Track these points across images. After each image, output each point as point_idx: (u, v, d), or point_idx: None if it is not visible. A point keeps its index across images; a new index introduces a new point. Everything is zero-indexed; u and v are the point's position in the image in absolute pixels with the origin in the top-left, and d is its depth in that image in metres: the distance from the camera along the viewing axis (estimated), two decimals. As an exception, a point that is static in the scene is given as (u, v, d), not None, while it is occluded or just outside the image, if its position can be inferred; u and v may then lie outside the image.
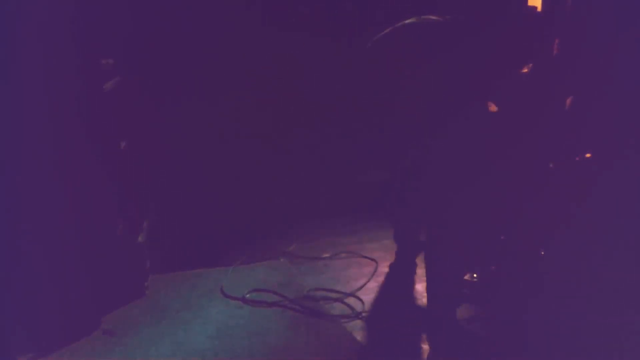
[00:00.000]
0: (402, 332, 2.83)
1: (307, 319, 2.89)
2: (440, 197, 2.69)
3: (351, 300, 3.05)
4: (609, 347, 2.54)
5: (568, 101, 2.77)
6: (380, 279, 3.29)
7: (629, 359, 2.54)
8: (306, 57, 3.96)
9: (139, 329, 2.80)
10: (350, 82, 3.65)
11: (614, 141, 2.71)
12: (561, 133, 2.77)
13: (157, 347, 2.66)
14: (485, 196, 2.67)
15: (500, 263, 2.95)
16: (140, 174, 3.06)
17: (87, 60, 2.70)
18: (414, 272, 3.26)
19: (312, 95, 4.06)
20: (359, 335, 2.79)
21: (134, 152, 2.96)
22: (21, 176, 2.54)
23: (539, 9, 2.88)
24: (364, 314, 2.94)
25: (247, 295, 3.07)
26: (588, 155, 2.76)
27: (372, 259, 3.49)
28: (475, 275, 3.02)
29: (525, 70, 2.84)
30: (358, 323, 2.89)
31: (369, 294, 3.12)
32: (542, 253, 2.85)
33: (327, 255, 3.58)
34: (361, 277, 3.29)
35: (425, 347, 2.73)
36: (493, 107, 2.77)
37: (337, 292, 3.13)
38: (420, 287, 3.15)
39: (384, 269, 3.37)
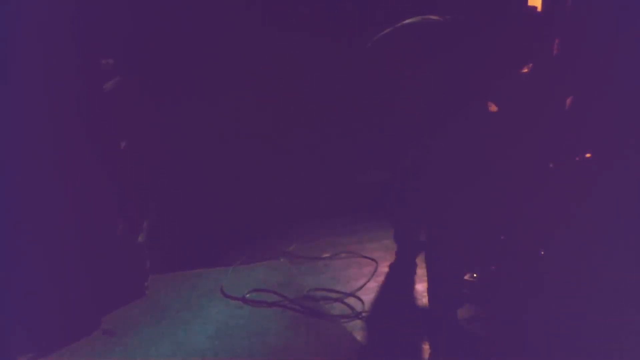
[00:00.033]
0: (402, 332, 2.83)
1: (307, 319, 2.89)
2: (440, 197, 2.69)
3: (351, 300, 3.05)
4: (609, 347, 2.54)
5: (568, 101, 2.77)
6: (380, 279, 3.29)
7: (629, 359, 2.54)
8: (306, 57, 3.96)
9: (139, 329, 2.80)
10: (350, 82, 3.65)
11: (614, 141, 2.71)
12: (561, 133, 2.77)
13: (157, 347, 2.66)
14: (485, 196, 2.67)
15: (500, 263, 2.95)
16: (140, 174, 3.06)
17: (87, 60, 2.70)
18: (414, 272, 3.26)
19: (312, 95, 4.06)
20: (359, 335, 2.79)
21: (134, 152, 2.96)
22: (21, 176, 2.54)
23: (539, 9, 2.88)
24: (364, 314, 2.94)
25: (247, 295, 3.07)
26: (588, 155, 2.76)
27: (372, 259, 3.49)
28: (475, 275, 3.02)
29: (525, 70, 2.84)
30: (358, 323, 2.89)
31: (369, 294, 3.12)
32: (542, 253, 2.85)
33: (327, 255, 3.58)
34: (361, 277, 3.29)
35: (425, 347, 2.73)
36: (493, 107, 2.77)
37: (337, 292, 3.13)
38: (420, 287, 3.16)
39: (384, 269, 3.37)
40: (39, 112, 2.53)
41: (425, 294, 2.94)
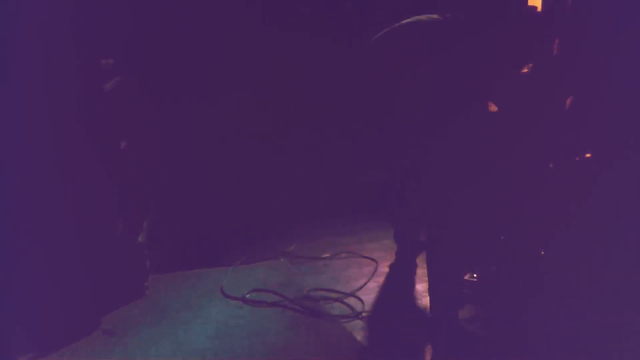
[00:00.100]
0: (402, 332, 2.83)
1: (307, 319, 2.89)
2: (440, 197, 2.69)
3: (351, 300, 3.05)
4: (609, 347, 2.54)
5: (568, 101, 2.77)
6: (380, 279, 3.29)
7: (629, 359, 2.54)
8: (306, 57, 3.96)
9: (139, 329, 2.80)
10: (350, 82, 3.65)
11: (614, 141, 2.71)
12: (561, 133, 2.77)
13: (157, 347, 2.66)
14: (485, 196, 2.67)
15: (500, 263, 2.95)
16: (140, 174, 3.06)
17: (87, 60, 2.71)
18: (414, 272, 3.26)
19: (312, 95, 4.06)
20: (359, 335, 2.79)
21: (134, 152, 2.96)
22: (21, 176, 2.54)
23: (539, 9, 2.88)
24: (364, 314, 2.94)
25: (247, 295, 3.07)
26: (588, 155, 2.76)
27: (372, 259, 3.49)
28: (475, 275, 3.02)
29: (525, 70, 2.84)
30: (358, 323, 2.89)
31: (369, 294, 3.12)
32: (542, 253, 2.85)
33: (327, 255, 3.58)
34: (361, 277, 3.29)
35: (426, 347, 2.73)
36: (493, 107, 2.77)
37: (337, 292, 3.13)
38: (420, 287, 3.16)
39: (384, 269, 3.37)
40: (39, 112, 2.53)
41: (425, 294, 2.94)
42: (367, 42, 2.82)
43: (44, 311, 2.64)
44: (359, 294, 3.11)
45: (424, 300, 3.00)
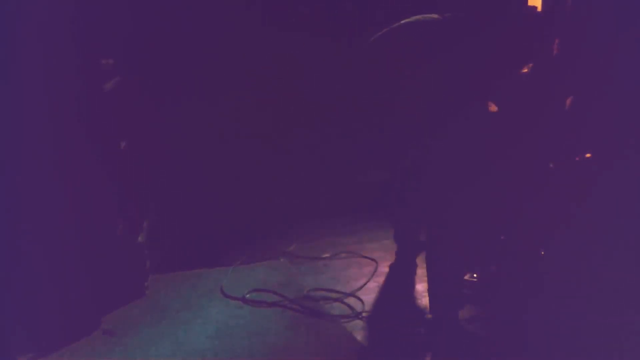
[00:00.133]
0: (402, 332, 2.83)
1: (307, 319, 2.89)
2: (440, 197, 2.69)
3: (351, 300, 3.05)
4: (609, 347, 2.54)
5: (568, 101, 2.77)
6: (380, 279, 3.29)
7: (629, 359, 2.54)
8: (306, 57, 3.96)
9: (139, 329, 2.80)
10: (350, 82, 3.65)
11: (614, 141, 2.71)
12: (561, 133, 2.77)
13: (157, 347, 2.66)
14: (485, 196, 2.67)
15: (500, 263, 2.95)
16: (140, 174, 3.06)
17: (87, 60, 2.70)
18: (414, 272, 3.26)
19: (312, 95, 4.06)
20: (359, 335, 2.79)
21: (134, 152, 2.96)
22: (21, 176, 2.54)
23: (539, 9, 2.88)
24: (364, 314, 2.94)
25: (247, 295, 3.07)
26: (588, 155, 2.76)
27: (372, 259, 3.49)
28: (475, 275, 3.02)
29: (525, 70, 2.84)
30: (358, 323, 2.89)
31: (369, 294, 3.12)
32: (542, 253, 2.85)
33: (327, 255, 3.58)
34: (361, 277, 3.29)
35: (426, 347, 2.73)
36: (493, 107, 2.77)
37: (337, 292, 3.13)
38: (420, 287, 3.16)
39: (384, 269, 3.37)
40: (39, 112, 2.53)
41: (425, 294, 2.94)
42: (367, 42, 2.82)
43: (44, 311, 2.64)
44: (359, 294, 3.11)
45: (424, 300, 3.00)
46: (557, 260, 2.79)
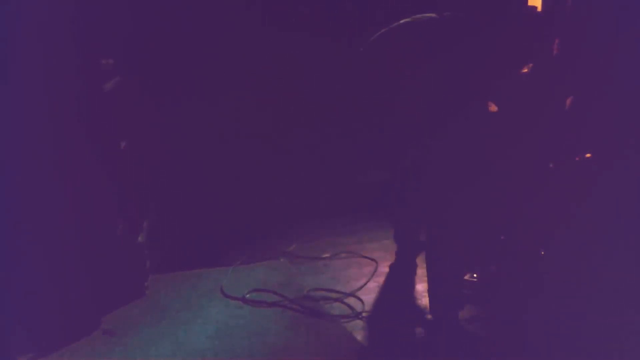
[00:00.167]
0: (402, 332, 2.83)
1: (307, 319, 2.89)
2: (440, 197, 2.69)
3: (351, 300, 3.05)
4: (609, 347, 2.54)
5: (568, 101, 2.77)
6: (380, 279, 3.29)
7: (629, 359, 2.54)
8: (306, 57, 3.96)
9: (139, 329, 2.80)
10: (350, 82, 3.65)
11: (614, 141, 2.71)
12: (561, 133, 2.77)
13: (157, 347, 2.66)
14: (485, 196, 2.67)
15: (500, 263, 2.95)
16: (140, 174, 3.06)
17: (87, 60, 2.70)
18: (414, 273, 3.26)
19: (312, 95, 4.06)
20: (359, 335, 2.79)
21: (134, 152, 2.96)
22: (21, 176, 2.54)
23: (539, 9, 2.88)
24: (364, 314, 2.94)
25: (247, 295, 3.07)
26: (588, 155, 2.76)
27: (372, 259, 3.49)
28: (475, 275, 3.02)
29: (525, 70, 2.84)
30: (358, 323, 2.89)
31: (369, 294, 3.12)
32: (542, 253, 2.85)
33: (327, 255, 3.58)
34: (361, 277, 3.29)
35: (426, 347, 2.73)
36: (493, 107, 2.77)
37: (337, 292, 3.13)
38: (420, 287, 3.16)
39: (384, 269, 3.37)
40: (39, 112, 2.53)
41: (425, 294, 2.94)
42: (366, 42, 2.82)
43: (44, 311, 2.64)
44: (359, 294, 3.11)
45: (424, 300, 3.00)
46: (557, 260, 2.80)
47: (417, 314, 2.98)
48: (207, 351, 2.64)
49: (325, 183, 4.15)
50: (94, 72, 2.75)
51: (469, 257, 2.95)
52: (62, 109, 2.60)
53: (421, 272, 3.19)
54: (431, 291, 2.83)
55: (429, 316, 2.88)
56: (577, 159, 2.78)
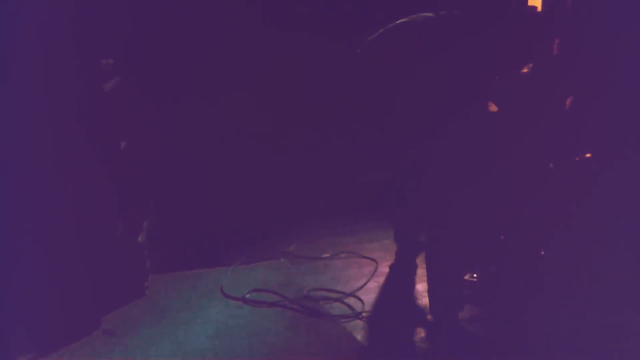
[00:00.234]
0: (402, 332, 2.83)
1: (307, 319, 2.89)
2: (440, 197, 2.69)
3: (351, 300, 3.05)
4: (609, 347, 2.54)
5: (568, 101, 2.77)
6: (380, 279, 3.29)
7: (629, 359, 2.54)
8: (306, 57, 3.96)
9: (139, 329, 2.80)
10: (350, 82, 3.65)
11: (614, 141, 2.71)
12: (561, 133, 2.77)
13: (157, 347, 2.66)
14: (485, 196, 2.67)
15: (500, 263, 2.95)
16: (140, 174, 3.06)
17: (87, 60, 2.71)
18: (414, 273, 3.26)
19: (312, 95, 4.06)
20: (359, 335, 2.79)
21: (134, 152, 2.96)
22: (21, 176, 2.54)
23: (539, 9, 2.88)
24: (364, 314, 2.94)
25: (247, 295, 3.07)
26: (588, 155, 2.76)
27: (372, 259, 3.49)
28: (475, 275, 3.02)
29: (525, 70, 2.84)
30: (358, 323, 2.88)
31: (369, 294, 3.12)
32: (542, 253, 2.85)
33: (327, 255, 3.58)
34: (361, 277, 3.29)
35: (426, 347, 2.73)
36: (493, 107, 2.77)
37: (337, 292, 3.13)
38: (420, 287, 3.15)
39: (384, 269, 3.37)
40: (39, 112, 2.53)
41: (425, 294, 2.94)
42: (363, 43, 2.82)
43: (44, 311, 2.64)
44: (359, 294, 3.11)
45: (424, 300, 3.00)
46: (557, 260, 2.79)
47: (417, 314, 2.97)
48: (207, 351, 2.64)
49: (325, 183, 4.15)
50: (94, 72, 2.75)
51: (469, 257, 2.95)
52: (62, 109, 2.60)
53: (421, 272, 3.19)
54: (431, 291, 2.83)
55: (429, 316, 2.88)
56: (577, 159, 2.78)
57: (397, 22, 2.76)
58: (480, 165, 2.64)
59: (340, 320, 2.90)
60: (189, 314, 2.92)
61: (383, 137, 3.17)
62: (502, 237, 2.94)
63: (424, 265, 2.93)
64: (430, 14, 2.72)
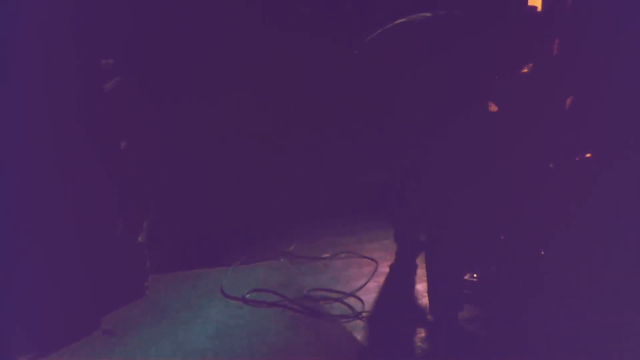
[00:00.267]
0: (402, 332, 2.83)
1: (307, 319, 2.89)
2: (440, 197, 2.69)
3: (351, 300, 3.05)
4: (609, 347, 2.54)
5: (568, 101, 2.77)
6: (380, 279, 3.29)
7: (629, 359, 2.54)
8: (306, 57, 3.96)
9: (139, 329, 2.80)
10: (350, 82, 3.65)
11: (614, 141, 2.71)
12: (561, 133, 2.77)
13: (157, 347, 2.66)
14: (485, 196, 2.67)
15: (500, 263, 2.95)
16: (140, 174, 3.06)
17: (87, 60, 2.71)
18: (414, 273, 3.26)
19: (312, 95, 4.06)
20: (359, 335, 2.79)
21: (134, 152, 2.96)
22: (21, 176, 2.54)
23: (539, 9, 2.88)
24: (364, 314, 2.94)
25: (247, 295, 3.07)
26: (588, 155, 2.76)
27: (372, 259, 3.49)
28: (475, 275, 3.02)
29: (525, 70, 2.84)
30: (358, 323, 2.88)
31: (369, 294, 3.12)
32: (542, 253, 2.85)
33: (327, 255, 3.58)
34: (361, 277, 3.29)
35: (426, 347, 2.73)
36: (493, 107, 2.77)
37: (337, 292, 3.13)
38: (420, 287, 3.16)
39: (384, 269, 3.37)
40: (39, 112, 2.53)
41: (425, 294, 2.94)
42: (361, 44, 2.82)
43: (44, 311, 2.64)
44: (359, 294, 3.11)
45: (424, 300, 3.00)
46: (557, 260, 2.79)
47: (417, 314, 2.98)
48: (207, 351, 2.64)
49: (325, 183, 4.15)
50: (94, 72, 2.75)
51: (469, 257, 2.95)
52: (62, 109, 2.60)
53: (421, 272, 3.19)
54: (431, 291, 2.83)
55: (429, 316, 2.88)
56: (577, 159, 2.78)
57: (397, 22, 2.76)
58: (480, 165, 2.63)
59: (340, 320, 2.90)
60: (189, 314, 2.92)
61: (383, 137, 3.17)
62: (502, 237, 2.94)
63: (424, 265, 2.93)
64: (430, 14, 2.72)
